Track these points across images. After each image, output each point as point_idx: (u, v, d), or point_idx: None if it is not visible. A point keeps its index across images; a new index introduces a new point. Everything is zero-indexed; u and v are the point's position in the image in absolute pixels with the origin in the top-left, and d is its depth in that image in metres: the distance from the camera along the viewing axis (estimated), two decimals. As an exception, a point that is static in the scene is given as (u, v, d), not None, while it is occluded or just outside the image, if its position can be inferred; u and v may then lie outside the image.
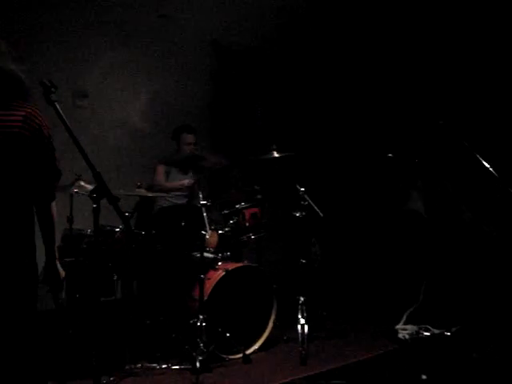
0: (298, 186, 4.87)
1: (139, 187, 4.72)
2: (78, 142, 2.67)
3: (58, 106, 2.71)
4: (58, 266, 2.85)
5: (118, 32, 6.02)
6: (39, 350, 3.54)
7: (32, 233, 2.68)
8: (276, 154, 5.08)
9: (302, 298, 4.82)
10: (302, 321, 4.75)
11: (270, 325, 4.92)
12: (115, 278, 4.64)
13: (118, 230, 4.68)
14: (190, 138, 5.59)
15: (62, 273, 2.86)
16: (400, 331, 5.24)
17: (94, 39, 5.87)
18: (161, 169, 5.58)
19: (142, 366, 4.48)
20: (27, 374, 2.70)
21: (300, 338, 4.72)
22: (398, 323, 5.32)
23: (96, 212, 2.66)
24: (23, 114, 2.61)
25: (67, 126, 2.68)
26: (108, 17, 5.94)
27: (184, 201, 5.58)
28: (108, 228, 4.63)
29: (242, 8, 6.56)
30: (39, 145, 2.63)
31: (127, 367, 4.42)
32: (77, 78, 5.74)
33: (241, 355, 4.69)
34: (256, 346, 4.87)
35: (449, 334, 5.08)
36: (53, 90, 2.71)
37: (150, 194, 4.97)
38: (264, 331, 4.91)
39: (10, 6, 5.34)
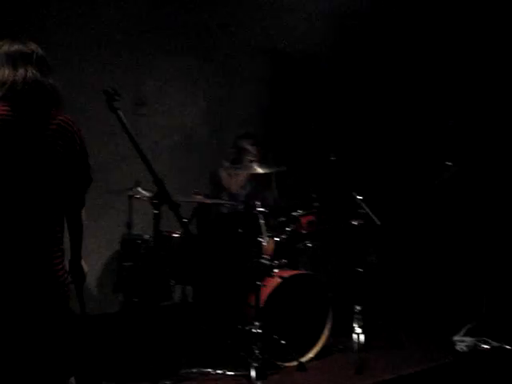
0: (355, 194, 4.84)
1: (197, 193, 4.77)
2: (139, 149, 2.72)
3: (120, 114, 2.77)
4: (82, 262, 2.92)
5: (177, 40, 6.11)
6: (88, 350, 3.64)
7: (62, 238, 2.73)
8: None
9: (358, 307, 4.78)
10: (358, 330, 4.72)
11: (326, 333, 4.89)
12: (172, 283, 4.69)
13: (175, 235, 4.74)
14: (252, 148, 5.56)
15: (85, 267, 2.93)
16: (458, 343, 5.14)
17: (153, 47, 5.97)
18: (224, 173, 5.59)
19: (197, 370, 4.51)
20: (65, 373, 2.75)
21: (356, 348, 4.68)
22: (455, 335, 5.22)
23: (157, 218, 2.71)
24: (57, 122, 2.62)
25: (129, 134, 2.74)
26: (167, 25, 6.03)
27: (241, 207, 5.60)
28: (166, 233, 4.67)
29: (298, 15, 6.57)
30: (72, 153, 2.64)
31: (183, 372, 4.45)
32: (136, 85, 5.84)
33: (296, 363, 4.68)
34: (311, 354, 4.84)
35: (509, 347, 4.96)
36: (116, 97, 2.77)
37: (208, 201, 5.01)
38: (319, 339, 4.88)
39: (67, 12, 5.49)
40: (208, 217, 5.51)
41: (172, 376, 4.37)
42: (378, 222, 4.82)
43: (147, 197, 4.41)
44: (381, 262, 5.67)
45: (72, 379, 2.83)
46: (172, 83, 6.11)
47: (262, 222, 4.60)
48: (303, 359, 4.73)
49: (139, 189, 4.63)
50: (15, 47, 2.65)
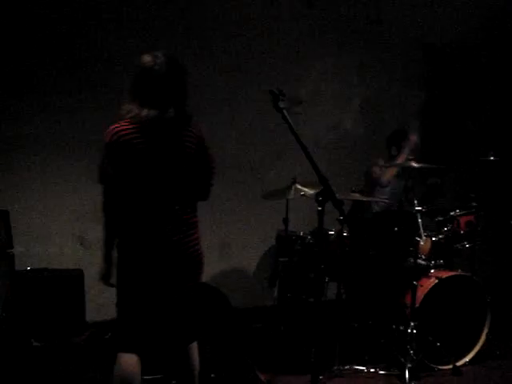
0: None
1: (354, 191, 4.77)
2: (305, 147, 2.79)
3: (285, 113, 2.86)
4: None
5: (332, 40, 6.16)
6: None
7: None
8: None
9: (518, 312, 4.60)
10: (518, 336, 4.54)
11: (483, 338, 4.73)
12: (327, 280, 4.75)
13: (331, 232, 4.78)
14: (407, 144, 5.47)
15: None
16: None
17: (308, 47, 6.07)
18: (376, 169, 5.54)
19: (349, 368, 4.54)
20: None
21: (515, 355, 4.52)
22: None
23: (320, 215, 2.76)
24: (184, 134, 3.13)
25: (295, 133, 2.83)
26: (321, 26, 6.10)
27: (395, 206, 5.53)
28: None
29: (454, 10, 6.40)
30: (200, 150, 3.18)
31: (335, 368, 4.49)
32: (293, 86, 5.95)
33: (450, 366, 4.57)
34: (467, 359, 4.70)
35: None
36: (281, 97, 2.88)
37: (364, 199, 5.00)
38: (476, 344, 4.73)
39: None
40: (363, 215, 5.51)
41: (325, 372, 4.43)
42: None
43: (311, 194, 4.47)
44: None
45: None
46: (328, 83, 6.18)
47: (420, 221, 4.52)
48: (458, 363, 4.62)
49: (297, 185, 4.70)
50: (154, 74, 3.04)
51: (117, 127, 3.02)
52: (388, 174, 5.37)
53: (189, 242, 3.13)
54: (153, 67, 3.03)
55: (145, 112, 2.99)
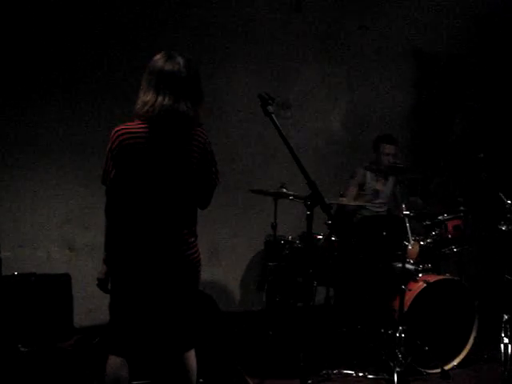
0: (504, 198, 4.66)
1: (342, 196, 4.78)
2: (293, 151, 2.80)
3: (274, 117, 2.87)
4: None
5: (320, 45, 6.18)
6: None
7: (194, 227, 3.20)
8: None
9: (506, 316, 4.60)
10: (506, 340, 4.53)
11: (471, 341, 4.76)
12: (315, 284, 4.75)
13: (320, 237, 4.78)
14: (389, 148, 5.52)
15: None
16: None
17: (297, 53, 6.08)
18: (363, 174, 5.61)
19: (338, 372, 4.53)
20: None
21: (503, 359, 4.51)
22: None
23: (309, 219, 2.77)
24: (191, 137, 3.06)
25: (283, 136, 2.83)
26: (309, 30, 6.12)
27: (383, 210, 5.54)
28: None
29: (442, 15, 6.45)
30: (203, 161, 3.10)
31: (324, 372, 4.49)
32: (281, 90, 5.96)
33: (439, 370, 4.58)
34: (455, 363, 4.72)
35: None
36: (270, 102, 2.89)
37: (352, 203, 5.02)
38: (464, 348, 4.75)
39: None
40: (351, 219, 5.51)
41: (314, 376, 4.42)
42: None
43: (300, 198, 4.48)
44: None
45: None
46: (315, 88, 6.19)
47: (407, 225, 4.53)
48: (447, 367, 4.63)
49: (284, 190, 4.71)
50: (168, 67, 3.00)
51: (121, 129, 3.00)
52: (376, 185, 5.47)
53: (186, 250, 3.09)
54: (169, 61, 3.01)
55: (160, 99, 2.94)
